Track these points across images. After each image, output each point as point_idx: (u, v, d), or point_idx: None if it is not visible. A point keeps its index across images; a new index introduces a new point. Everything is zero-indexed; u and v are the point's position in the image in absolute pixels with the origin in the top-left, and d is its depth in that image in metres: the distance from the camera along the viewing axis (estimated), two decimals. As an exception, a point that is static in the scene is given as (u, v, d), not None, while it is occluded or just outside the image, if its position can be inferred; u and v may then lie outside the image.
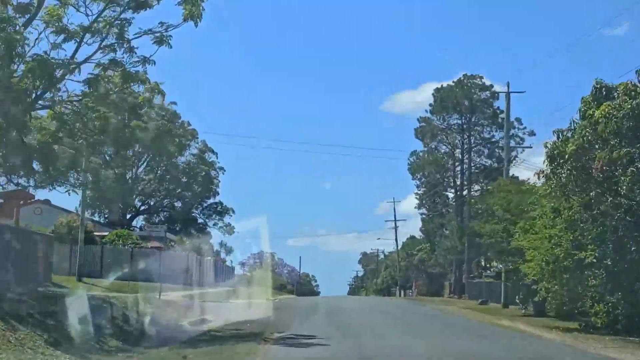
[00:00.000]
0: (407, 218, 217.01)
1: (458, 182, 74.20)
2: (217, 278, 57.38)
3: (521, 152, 60.79)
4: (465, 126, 71.25)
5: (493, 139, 70.41)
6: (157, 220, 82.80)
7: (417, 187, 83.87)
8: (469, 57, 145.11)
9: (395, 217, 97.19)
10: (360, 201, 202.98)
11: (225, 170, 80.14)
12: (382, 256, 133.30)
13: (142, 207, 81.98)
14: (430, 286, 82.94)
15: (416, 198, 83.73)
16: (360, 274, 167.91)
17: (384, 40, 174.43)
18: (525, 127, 66.60)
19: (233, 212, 78.87)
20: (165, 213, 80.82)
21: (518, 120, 66.69)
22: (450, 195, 78.09)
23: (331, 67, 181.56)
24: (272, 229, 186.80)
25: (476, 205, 33.27)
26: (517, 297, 34.19)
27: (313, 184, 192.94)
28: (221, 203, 78.81)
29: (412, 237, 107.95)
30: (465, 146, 71.58)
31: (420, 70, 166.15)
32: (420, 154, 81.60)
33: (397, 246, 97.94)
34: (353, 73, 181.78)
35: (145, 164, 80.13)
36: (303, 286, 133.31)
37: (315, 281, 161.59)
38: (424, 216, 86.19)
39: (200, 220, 79.61)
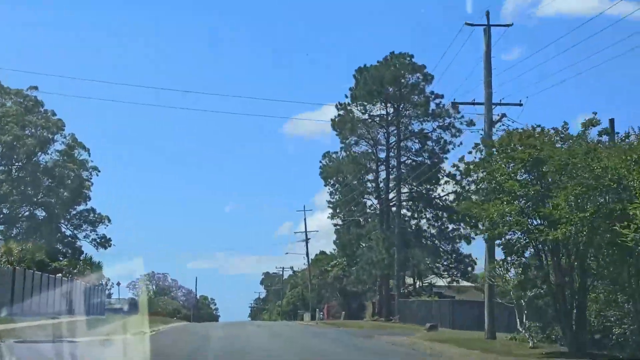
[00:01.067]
0: (315, 236, 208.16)
1: (382, 185, 62.86)
2: (78, 304, 43.27)
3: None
4: (392, 118, 59.85)
5: (425, 132, 59.54)
6: (14, 233, 67.15)
7: (331, 194, 72.96)
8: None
9: (305, 228, 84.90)
10: (262, 223, 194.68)
11: (99, 171, 65.57)
12: (287, 275, 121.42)
13: (-6, 217, 66.33)
14: (348, 307, 71.38)
15: (329, 207, 72.69)
16: (263, 295, 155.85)
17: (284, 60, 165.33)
18: (462, 117, 54.99)
19: (109, 221, 64.39)
20: (23, 223, 65.36)
21: (455, 106, 55.70)
22: (369, 202, 66.92)
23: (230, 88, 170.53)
24: (167, 249, 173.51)
25: (470, 172, 20.33)
26: (523, 322, 22.07)
27: (212, 206, 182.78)
28: (94, 210, 64.14)
29: (323, 253, 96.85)
30: (392, 140, 60.25)
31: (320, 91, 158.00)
32: (334, 155, 70.68)
33: (309, 261, 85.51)
34: (254, 94, 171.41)
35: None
36: (201, 310, 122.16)
37: (215, 305, 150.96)
38: (338, 227, 74.64)
39: (67, 232, 64.54)
